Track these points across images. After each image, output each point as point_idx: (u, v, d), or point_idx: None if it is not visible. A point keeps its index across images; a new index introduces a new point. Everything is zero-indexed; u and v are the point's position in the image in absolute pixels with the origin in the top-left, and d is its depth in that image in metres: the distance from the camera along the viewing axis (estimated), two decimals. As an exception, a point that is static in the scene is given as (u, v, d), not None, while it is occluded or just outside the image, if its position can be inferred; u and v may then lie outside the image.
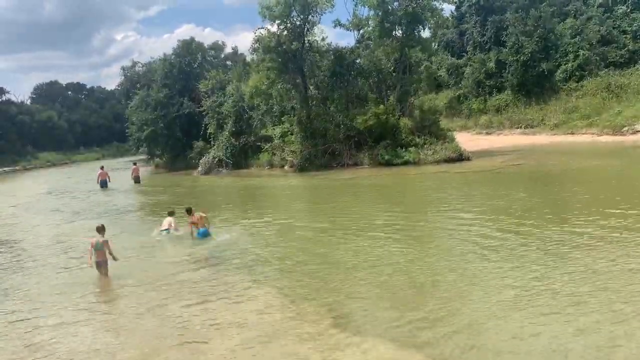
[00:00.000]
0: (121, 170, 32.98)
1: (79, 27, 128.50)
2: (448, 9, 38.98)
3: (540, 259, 7.88)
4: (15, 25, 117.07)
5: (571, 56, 34.44)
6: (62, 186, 29.43)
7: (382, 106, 24.74)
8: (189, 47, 37.45)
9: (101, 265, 8.85)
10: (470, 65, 40.12)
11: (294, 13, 24.92)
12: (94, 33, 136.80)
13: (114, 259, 8.99)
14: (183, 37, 40.60)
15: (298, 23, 25.31)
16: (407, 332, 5.83)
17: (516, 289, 6.77)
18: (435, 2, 25.35)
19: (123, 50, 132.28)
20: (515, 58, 34.87)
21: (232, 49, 42.89)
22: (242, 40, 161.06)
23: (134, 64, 45.60)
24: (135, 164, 29.13)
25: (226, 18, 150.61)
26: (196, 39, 38.94)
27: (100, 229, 9.07)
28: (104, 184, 25.06)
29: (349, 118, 25.40)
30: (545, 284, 6.85)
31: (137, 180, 26.99)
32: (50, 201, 22.34)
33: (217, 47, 40.91)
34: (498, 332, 5.65)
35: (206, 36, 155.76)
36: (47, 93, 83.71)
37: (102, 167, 26.86)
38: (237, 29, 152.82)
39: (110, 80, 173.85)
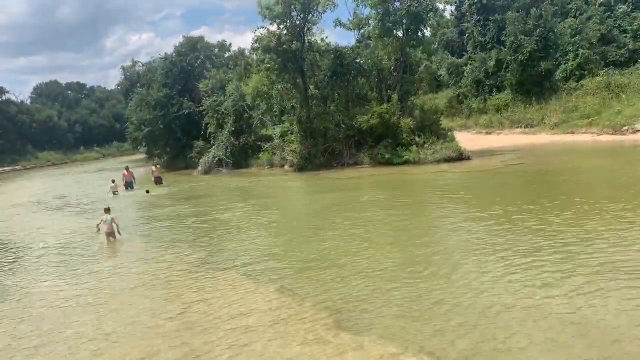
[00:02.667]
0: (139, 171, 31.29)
1: (92, 29, 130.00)
2: (448, 8, 39.10)
3: (546, 259, 7.89)
4: (29, 28, 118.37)
5: (571, 55, 34.43)
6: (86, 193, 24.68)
7: (384, 105, 24.75)
8: (194, 44, 37.38)
9: (109, 235, 12.09)
10: (470, 65, 40.13)
11: (294, 12, 24.89)
12: (108, 35, 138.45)
13: (119, 233, 12.22)
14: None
15: (298, 22, 25.29)
16: (409, 332, 5.84)
17: (522, 290, 6.77)
18: (436, 3, 25.32)
19: (136, 51, 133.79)
20: (513, 57, 34.87)
21: (239, 49, 42.90)
22: (245, 40, 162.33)
23: (134, 63, 45.63)
24: (156, 165, 28.26)
25: (243, 21, 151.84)
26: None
27: (107, 210, 12.45)
28: (129, 186, 23.22)
29: (349, 117, 25.40)
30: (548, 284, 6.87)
31: (158, 181, 24.97)
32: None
33: (222, 47, 40.88)
34: (502, 332, 5.65)
35: (224, 38, 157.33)
36: (46, 92, 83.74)
37: (127, 168, 24.54)
38: (242, 30, 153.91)
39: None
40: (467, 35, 42.81)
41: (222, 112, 31.01)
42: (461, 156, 23.26)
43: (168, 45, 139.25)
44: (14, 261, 11.31)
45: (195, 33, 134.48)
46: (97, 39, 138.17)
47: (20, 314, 7.67)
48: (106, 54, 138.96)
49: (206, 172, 29.65)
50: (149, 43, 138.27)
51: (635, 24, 34.51)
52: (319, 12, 25.05)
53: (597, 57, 33.87)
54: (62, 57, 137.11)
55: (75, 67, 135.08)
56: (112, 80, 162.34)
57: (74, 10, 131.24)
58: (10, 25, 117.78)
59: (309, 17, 25.24)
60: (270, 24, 25.16)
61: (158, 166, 27.52)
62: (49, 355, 6.18)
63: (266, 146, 28.45)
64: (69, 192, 25.81)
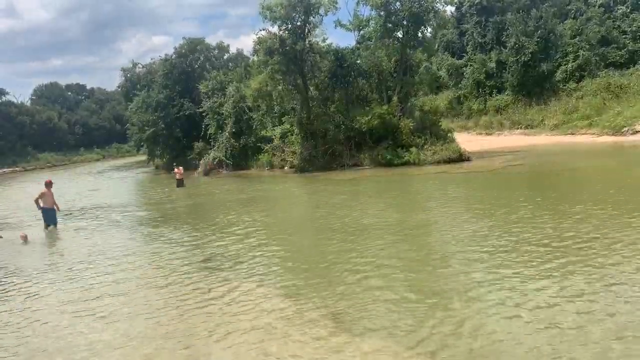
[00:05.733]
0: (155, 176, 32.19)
1: (107, 33, 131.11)
2: (449, 9, 39.15)
3: (542, 263, 7.90)
4: (44, 32, 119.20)
5: (571, 56, 34.54)
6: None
7: (384, 106, 24.78)
8: (194, 46, 37.41)
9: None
10: (471, 66, 40.22)
11: (296, 15, 24.89)
12: (125, 39, 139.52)
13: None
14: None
15: (299, 24, 25.30)
16: (409, 333, 5.85)
17: (521, 294, 6.78)
18: (437, 4, 25.38)
19: (148, 53, 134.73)
20: (515, 58, 34.94)
21: (237, 50, 42.97)
22: (248, 41, 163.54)
23: (135, 64, 45.56)
24: (178, 167, 24.88)
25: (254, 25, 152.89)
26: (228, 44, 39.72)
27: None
28: (180, 184, 23.60)
29: (350, 119, 25.43)
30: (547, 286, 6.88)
31: (180, 183, 23.93)
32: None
33: (221, 48, 40.92)
34: (503, 335, 5.66)
35: (241, 42, 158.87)
36: (47, 94, 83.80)
37: (176, 166, 24.92)
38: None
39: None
40: (467, 36, 42.93)
41: (223, 113, 31.06)
42: (461, 157, 23.33)
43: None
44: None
45: (212, 38, 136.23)
46: (112, 42, 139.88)
47: (16, 320, 7.67)
48: (121, 57, 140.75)
49: (206, 173, 29.72)
50: (165, 46, 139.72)
51: (634, 25, 34.61)
52: (321, 15, 25.10)
53: (597, 58, 33.96)
54: (76, 60, 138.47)
55: (85, 69, 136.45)
56: (116, 82, 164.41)
57: (87, 14, 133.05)
58: (25, 30, 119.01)
59: (310, 19, 25.27)
60: (271, 25, 25.23)
61: (181, 168, 24.75)
62: None
63: (266, 147, 28.49)
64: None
